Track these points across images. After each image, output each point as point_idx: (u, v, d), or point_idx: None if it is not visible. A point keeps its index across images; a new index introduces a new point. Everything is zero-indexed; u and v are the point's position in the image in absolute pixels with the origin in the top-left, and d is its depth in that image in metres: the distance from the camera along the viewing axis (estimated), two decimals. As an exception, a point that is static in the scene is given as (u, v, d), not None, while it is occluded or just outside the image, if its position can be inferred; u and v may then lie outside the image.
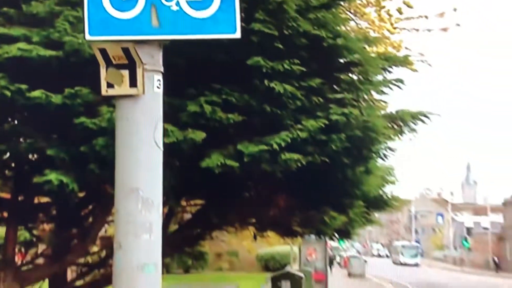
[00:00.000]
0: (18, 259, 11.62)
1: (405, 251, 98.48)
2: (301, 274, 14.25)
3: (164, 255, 10.79)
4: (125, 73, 3.61)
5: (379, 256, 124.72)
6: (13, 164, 9.49)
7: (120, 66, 3.65)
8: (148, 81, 3.55)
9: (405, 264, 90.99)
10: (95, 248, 12.27)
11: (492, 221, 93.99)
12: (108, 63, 3.69)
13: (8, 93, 7.44)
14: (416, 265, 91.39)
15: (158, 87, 3.57)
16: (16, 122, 8.82)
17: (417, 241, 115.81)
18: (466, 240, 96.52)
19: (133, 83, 3.55)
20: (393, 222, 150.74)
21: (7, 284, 9.79)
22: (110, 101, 6.79)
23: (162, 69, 3.71)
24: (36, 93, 7.52)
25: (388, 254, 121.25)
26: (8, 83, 7.44)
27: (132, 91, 3.49)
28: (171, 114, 7.31)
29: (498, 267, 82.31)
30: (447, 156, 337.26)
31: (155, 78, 3.61)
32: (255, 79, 8.02)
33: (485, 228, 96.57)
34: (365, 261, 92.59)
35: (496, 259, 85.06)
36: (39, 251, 12.38)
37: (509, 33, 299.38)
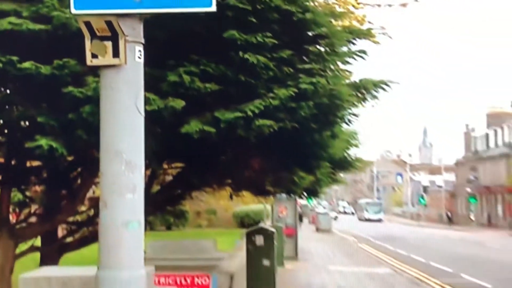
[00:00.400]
0: (12, 219, 11.57)
1: (369, 207, 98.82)
2: (273, 229, 14.28)
3: (148, 213, 10.76)
4: (108, 44, 3.56)
5: (345, 213, 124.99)
6: (6, 131, 9.39)
7: (103, 38, 3.60)
8: (129, 51, 3.50)
9: (369, 220, 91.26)
10: (83, 208, 12.22)
11: (445, 180, 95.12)
12: (93, 35, 3.63)
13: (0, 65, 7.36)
14: (379, 220, 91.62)
15: (139, 57, 3.52)
16: (8, 91, 8.74)
17: (378, 199, 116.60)
18: (422, 197, 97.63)
19: (115, 53, 3.49)
20: (356, 182, 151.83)
21: (2, 241, 9.77)
22: (96, 71, 6.69)
23: (143, 41, 3.65)
24: (27, 64, 7.45)
25: (353, 211, 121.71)
26: (0, 55, 7.33)
27: (115, 61, 3.44)
28: (152, 84, 7.26)
29: (450, 220, 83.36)
30: (405, 121, 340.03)
31: (136, 49, 3.55)
32: (231, 51, 7.97)
33: (439, 186, 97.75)
34: (336, 217, 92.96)
35: (449, 213, 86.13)
36: (32, 210, 12.31)
37: (461, 10, 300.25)
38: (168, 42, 7.71)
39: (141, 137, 2.68)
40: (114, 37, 3.58)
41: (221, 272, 10.45)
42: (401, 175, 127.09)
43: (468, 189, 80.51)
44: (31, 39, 7.48)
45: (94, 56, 3.59)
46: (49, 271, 4.12)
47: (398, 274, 23.29)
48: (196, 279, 8.00)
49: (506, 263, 27.36)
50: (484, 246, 38.68)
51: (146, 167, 10.95)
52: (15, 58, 7.42)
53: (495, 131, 78.84)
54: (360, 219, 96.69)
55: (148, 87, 6.06)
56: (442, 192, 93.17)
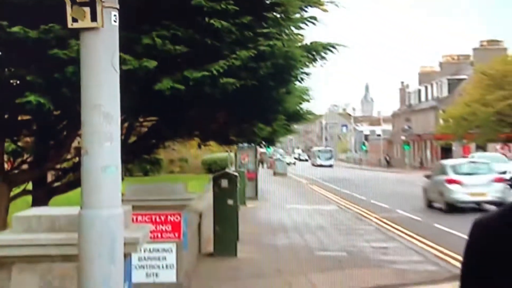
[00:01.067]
0: (7, 166, 11.39)
1: (321, 154, 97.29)
2: (236, 174, 14.30)
3: (127, 161, 10.64)
4: (87, 9, 3.45)
5: (300, 159, 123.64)
6: (-1, 89, 9.19)
7: (82, 4, 3.50)
8: (106, 16, 3.40)
9: (321, 165, 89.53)
10: (69, 156, 12.05)
11: (384, 129, 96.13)
12: (73, 1, 3.53)
13: (-9, 29, 7.22)
14: (331, 166, 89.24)
15: (114, 21, 3.42)
16: (0, 54, 8.55)
17: (326, 147, 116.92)
18: (364, 144, 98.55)
19: (93, 17, 3.39)
20: (308, 132, 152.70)
21: (-3, 186, 9.68)
22: (78, 35, 6.57)
23: (118, 6, 3.55)
24: (16, 29, 7.32)
25: (307, 158, 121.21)
26: (-10, 21, 7.16)
27: (93, 24, 3.34)
28: (128, 46, 7.14)
29: (388, 164, 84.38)
30: (350, 79, 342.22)
31: (112, 13, 3.45)
32: (198, 16, 7.89)
33: (378, 135, 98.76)
34: (294, 163, 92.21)
35: (387, 158, 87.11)
36: (24, 159, 12.13)
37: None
38: (141, 8, 7.58)
39: (117, 92, 2.61)
40: (92, 3, 3.47)
41: (191, 211, 10.46)
42: (346, 126, 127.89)
43: (403, 137, 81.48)
44: (19, 7, 7.32)
45: (74, 20, 3.49)
46: (39, 211, 4.05)
47: (343, 210, 23.59)
48: (169, 217, 7.98)
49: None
50: (416, 185, 39.15)
51: (124, 121, 10.85)
52: (5, 23, 7.26)
53: (426, 87, 79.59)
54: (313, 165, 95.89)
55: (124, 49, 5.95)
56: (380, 140, 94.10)
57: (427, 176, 25.79)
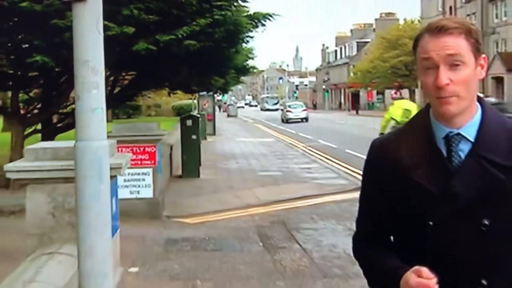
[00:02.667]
0: (22, 111, 11.13)
1: (269, 100, 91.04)
2: (199, 116, 14.24)
3: (113, 107, 10.51)
4: (76, -15, 3.28)
5: (251, 105, 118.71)
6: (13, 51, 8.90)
7: (72, -19, 3.32)
8: (91, -10, 3.25)
9: (269, 110, 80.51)
10: (69, 103, 11.79)
11: (310, 81, 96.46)
12: (65, -21, 3.35)
13: (6, 4, 7.17)
14: (276, 110, 79.41)
15: (98, -5, 3.27)
16: (12, 23, 8.27)
17: (269, 94, 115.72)
18: (295, 92, 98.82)
19: (81, -8, 3.24)
20: (254, 83, 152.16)
21: (14, 126, 9.54)
22: (71, 8, 6.34)
23: (101, -17, 3.39)
24: (24, 4, 7.30)
25: (257, 104, 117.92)
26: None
27: (81, -3, 3.20)
28: (112, 16, 6.98)
29: (315, 107, 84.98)
30: (285, 42, 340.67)
31: (96, -11, 3.29)
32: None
33: (306, 85, 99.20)
34: (243, 107, 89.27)
35: (314, 102, 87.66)
36: (35, 106, 11.83)
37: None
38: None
39: (101, 50, 2.53)
40: (79, -19, 3.30)
41: (164, 144, 10.38)
42: (282, 78, 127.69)
43: (324, 86, 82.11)
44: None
45: (66, -6, 3.34)
46: (45, 144, 3.99)
47: (279, 141, 23.80)
48: (146, 148, 7.92)
49: (343, 131, 28.13)
50: (333, 122, 39.71)
51: (110, 75, 10.62)
52: (15, -1, 7.03)
53: (341, 48, 79.97)
54: (262, 109, 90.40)
55: (109, 19, 5.75)
56: (307, 89, 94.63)
57: (282, 110, 46.95)
